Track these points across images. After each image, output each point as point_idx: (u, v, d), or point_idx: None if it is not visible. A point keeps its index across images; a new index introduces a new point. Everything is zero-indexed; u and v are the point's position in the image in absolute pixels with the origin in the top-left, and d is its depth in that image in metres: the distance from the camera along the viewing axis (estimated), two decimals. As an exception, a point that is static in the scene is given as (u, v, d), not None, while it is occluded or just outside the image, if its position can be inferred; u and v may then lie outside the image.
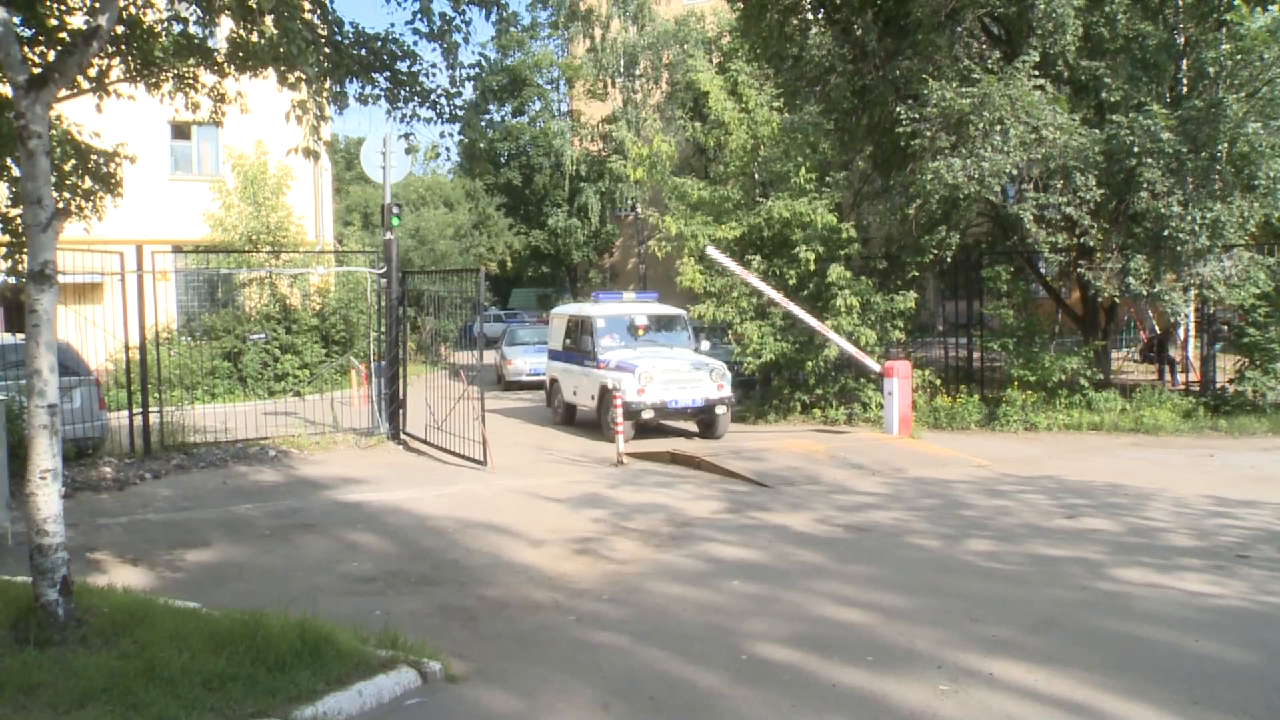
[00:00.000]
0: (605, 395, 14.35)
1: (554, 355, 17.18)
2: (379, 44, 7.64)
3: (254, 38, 7.23)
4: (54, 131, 8.78)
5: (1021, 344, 15.59)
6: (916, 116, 14.73)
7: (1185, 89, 15.04)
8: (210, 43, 8.17)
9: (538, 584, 7.04)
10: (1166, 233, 13.87)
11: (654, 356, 14.89)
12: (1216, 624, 5.81)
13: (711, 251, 15.43)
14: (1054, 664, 5.19)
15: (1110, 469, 11.41)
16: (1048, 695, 4.81)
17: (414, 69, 7.72)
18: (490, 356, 24.29)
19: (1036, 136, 14.06)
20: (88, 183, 9.56)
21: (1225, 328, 15.75)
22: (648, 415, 14.30)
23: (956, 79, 14.72)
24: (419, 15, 7.30)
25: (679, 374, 14.55)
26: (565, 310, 18.06)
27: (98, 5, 5.73)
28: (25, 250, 6.10)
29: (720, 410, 14.69)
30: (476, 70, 8.33)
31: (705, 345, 15.97)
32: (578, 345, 15.92)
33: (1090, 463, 11.93)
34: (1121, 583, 6.72)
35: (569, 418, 16.59)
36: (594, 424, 15.60)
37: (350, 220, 43.11)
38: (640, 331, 15.66)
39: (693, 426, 15.37)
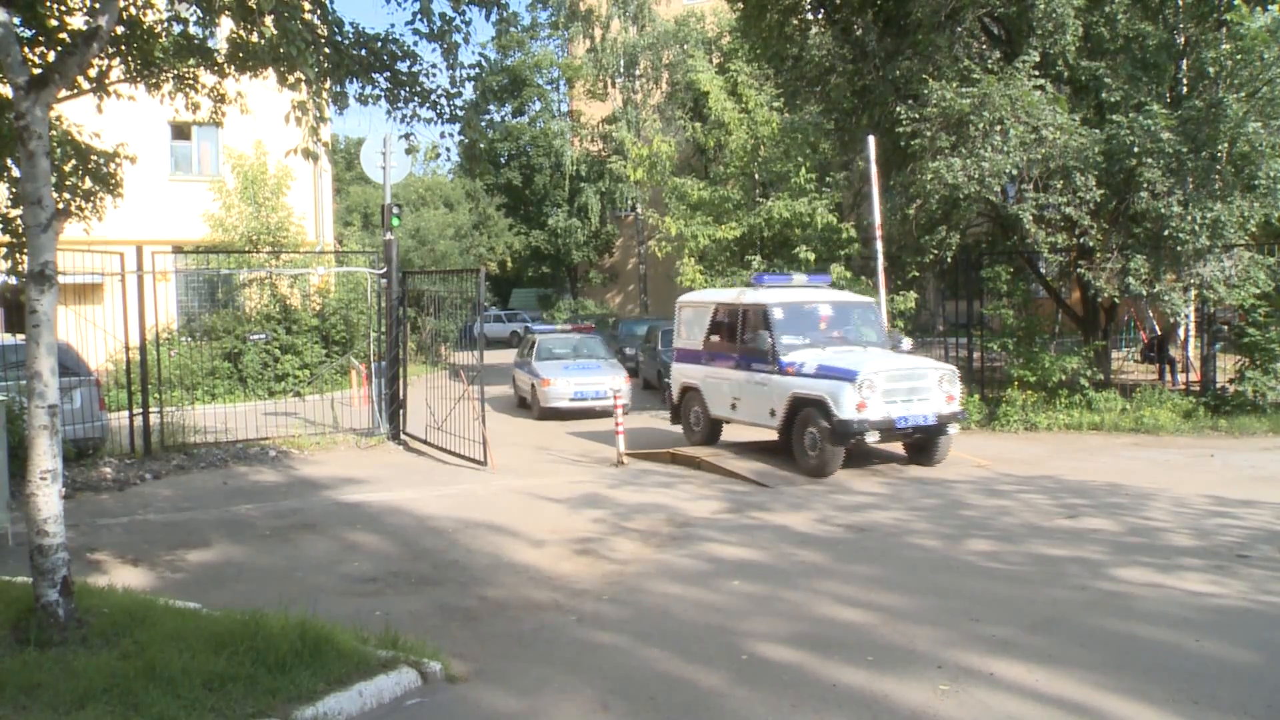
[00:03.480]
0: (799, 411, 11.16)
1: (687, 356, 13.51)
2: (379, 44, 7.65)
3: (254, 38, 7.23)
4: (54, 132, 8.78)
5: (1021, 344, 15.58)
6: (916, 116, 14.74)
7: (1185, 89, 15.05)
8: (210, 43, 8.18)
9: (538, 584, 7.04)
10: (1166, 233, 13.87)
11: (858, 357, 11.37)
12: (1217, 624, 5.81)
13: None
14: (1054, 664, 5.19)
15: (1110, 469, 11.41)
16: (1048, 695, 4.81)
17: (414, 69, 7.73)
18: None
19: (1036, 136, 14.06)
20: (88, 183, 9.56)
21: (1225, 328, 15.75)
22: (872, 439, 10.86)
23: (956, 79, 14.73)
24: (419, 16, 7.31)
25: (904, 382, 11.12)
26: (708, 297, 13.81)
27: (98, 6, 5.74)
28: (25, 251, 6.10)
29: (951, 430, 11.38)
30: (476, 70, 8.33)
31: (906, 344, 12.34)
32: (740, 343, 12.29)
33: (1090, 462, 11.93)
34: (1121, 582, 6.72)
35: (712, 435, 13.19)
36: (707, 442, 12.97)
37: (350, 220, 43.10)
38: (824, 325, 12.18)
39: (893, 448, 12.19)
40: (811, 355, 11.37)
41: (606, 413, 16.17)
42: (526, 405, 18.91)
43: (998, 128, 14.06)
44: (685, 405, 13.46)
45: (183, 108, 8.78)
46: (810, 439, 11.00)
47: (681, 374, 13.52)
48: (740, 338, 12.25)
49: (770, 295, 12.24)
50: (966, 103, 14.08)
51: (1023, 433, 14.57)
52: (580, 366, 18.10)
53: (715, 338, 12.85)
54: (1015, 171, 14.24)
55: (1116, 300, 16.02)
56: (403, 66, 7.70)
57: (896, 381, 10.98)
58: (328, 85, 7.33)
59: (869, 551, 7.88)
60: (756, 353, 11.83)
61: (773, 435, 12.10)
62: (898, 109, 15.13)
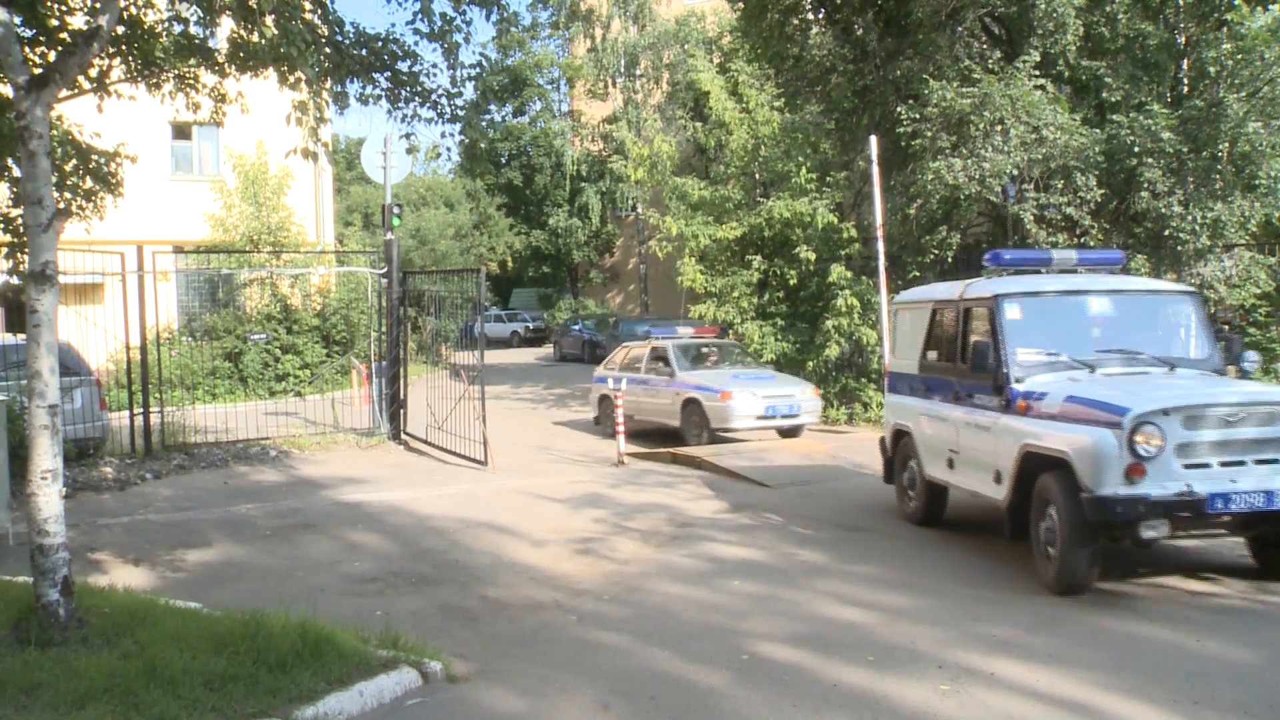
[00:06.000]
0: (1035, 476, 6.66)
1: (902, 384, 9.11)
2: (380, 44, 7.66)
3: (254, 38, 7.23)
4: (55, 132, 8.76)
5: (1022, 344, 15.55)
6: (917, 116, 14.74)
7: (1186, 89, 15.04)
8: (211, 43, 8.18)
9: (539, 584, 7.04)
10: (1167, 233, 13.87)
11: (1140, 383, 6.79)
12: (1217, 624, 5.81)
13: None
14: (1055, 663, 5.19)
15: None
16: (1048, 695, 4.80)
17: (415, 69, 7.74)
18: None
19: (1037, 136, 14.06)
20: (88, 183, 9.55)
21: (1226, 327, 15.75)
22: (1155, 532, 6.14)
23: (957, 79, 14.73)
24: (420, 15, 7.32)
25: (1229, 428, 6.17)
26: (926, 294, 9.13)
27: (98, 5, 5.74)
28: (26, 250, 6.11)
29: None
30: (477, 70, 8.35)
31: (1252, 360, 7.99)
32: (958, 362, 7.86)
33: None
34: (1121, 582, 6.72)
35: (931, 509, 8.49)
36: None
37: (351, 220, 43.14)
38: (1098, 330, 7.54)
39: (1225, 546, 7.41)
40: (1060, 380, 6.94)
41: (791, 432, 14.17)
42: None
43: (998, 128, 14.05)
44: (899, 457, 8.94)
45: (183, 107, 8.78)
46: (1047, 528, 6.49)
47: (893, 411, 9.16)
48: (959, 353, 7.85)
49: (1006, 284, 7.69)
50: (967, 103, 14.08)
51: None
52: (754, 376, 14.29)
53: (932, 354, 8.50)
54: (1016, 171, 14.24)
55: (1117, 300, 16.00)
56: (403, 66, 7.70)
57: (1212, 427, 6.16)
58: (328, 85, 7.34)
59: (869, 551, 7.87)
60: (978, 377, 7.42)
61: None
62: (898, 109, 15.13)
